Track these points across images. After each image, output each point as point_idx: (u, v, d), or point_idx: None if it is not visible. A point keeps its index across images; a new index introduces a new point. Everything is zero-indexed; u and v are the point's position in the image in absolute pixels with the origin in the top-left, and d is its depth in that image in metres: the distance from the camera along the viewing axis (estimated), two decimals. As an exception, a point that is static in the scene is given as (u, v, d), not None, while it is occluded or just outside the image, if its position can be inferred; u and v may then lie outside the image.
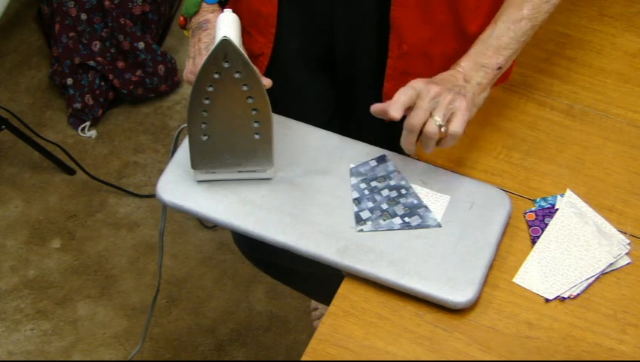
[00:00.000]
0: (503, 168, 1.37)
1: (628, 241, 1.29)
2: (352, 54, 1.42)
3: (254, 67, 1.19)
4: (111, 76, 2.56)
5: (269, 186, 1.32)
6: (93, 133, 2.55)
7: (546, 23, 1.54)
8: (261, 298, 2.24)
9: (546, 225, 1.30)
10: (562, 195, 1.33)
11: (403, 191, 1.31)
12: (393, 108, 1.21)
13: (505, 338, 1.21)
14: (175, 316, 2.21)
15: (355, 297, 1.24)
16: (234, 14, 1.27)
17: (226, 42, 1.16)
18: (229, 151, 1.28)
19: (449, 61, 1.31)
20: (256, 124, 1.25)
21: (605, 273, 1.26)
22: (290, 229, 1.27)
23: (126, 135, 2.56)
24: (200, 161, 1.29)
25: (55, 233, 2.36)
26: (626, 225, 1.31)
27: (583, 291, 1.24)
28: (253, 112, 1.23)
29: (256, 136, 1.26)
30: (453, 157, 1.38)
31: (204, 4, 1.36)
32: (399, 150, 1.36)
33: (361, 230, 1.27)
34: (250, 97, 1.22)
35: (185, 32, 1.39)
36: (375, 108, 1.26)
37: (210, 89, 1.20)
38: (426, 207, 1.30)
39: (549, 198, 1.33)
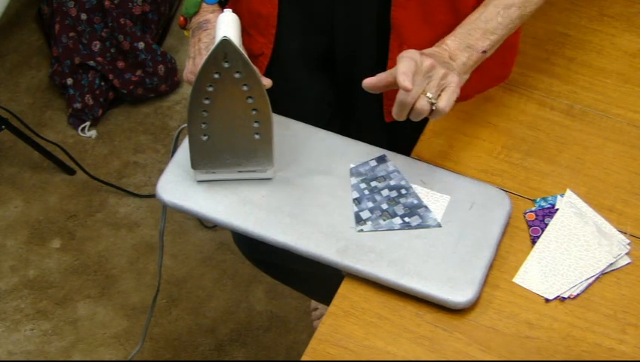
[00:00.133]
0: (503, 168, 1.37)
1: (628, 241, 1.29)
2: (352, 54, 1.42)
3: (254, 67, 1.19)
4: (111, 76, 2.56)
5: (269, 186, 1.32)
6: (93, 133, 2.55)
7: (545, 22, 1.54)
8: (261, 298, 2.24)
9: (546, 225, 1.30)
10: (562, 195, 1.33)
11: (403, 191, 1.31)
12: (407, 81, 1.18)
13: (505, 338, 1.21)
14: (175, 316, 2.21)
15: (355, 297, 1.24)
16: (234, 14, 1.27)
17: (226, 42, 1.16)
18: (229, 151, 1.28)
19: None
20: (256, 124, 1.25)
21: (605, 273, 1.26)
22: (290, 229, 1.27)
23: (126, 135, 2.56)
24: (200, 161, 1.29)
25: (55, 233, 2.36)
26: (626, 225, 1.31)
27: (583, 291, 1.24)
28: (253, 112, 1.23)
29: (256, 136, 1.26)
30: (453, 157, 1.38)
31: (204, 5, 1.36)
32: (399, 150, 1.36)
33: (361, 230, 1.27)
34: (250, 97, 1.22)
35: (185, 32, 1.39)
36: (368, 83, 1.24)
37: (210, 89, 1.21)
38: (426, 207, 1.30)
39: (549, 198, 1.33)
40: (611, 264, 1.26)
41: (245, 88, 1.21)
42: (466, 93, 1.34)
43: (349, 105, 1.51)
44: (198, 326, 2.20)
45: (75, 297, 2.24)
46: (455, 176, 1.33)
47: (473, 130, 1.42)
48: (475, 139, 1.40)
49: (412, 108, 1.22)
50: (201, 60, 1.28)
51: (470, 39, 1.27)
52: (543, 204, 1.33)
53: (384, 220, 1.28)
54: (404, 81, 1.18)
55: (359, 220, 1.28)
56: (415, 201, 1.30)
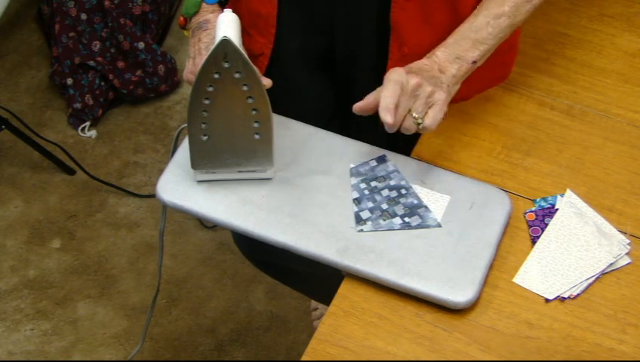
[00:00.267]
0: (503, 168, 1.37)
1: (628, 241, 1.29)
2: (352, 54, 1.42)
3: (254, 67, 1.19)
4: (111, 76, 2.56)
5: (269, 186, 1.32)
6: (93, 133, 2.55)
7: (545, 22, 1.54)
8: (261, 298, 2.24)
9: (546, 225, 1.30)
10: (562, 195, 1.33)
11: (403, 191, 1.31)
12: (388, 116, 1.22)
13: (505, 339, 1.21)
14: (175, 316, 2.21)
15: (355, 297, 1.24)
16: (234, 14, 1.27)
17: (226, 42, 1.16)
18: (229, 151, 1.28)
19: None
20: (256, 124, 1.25)
21: (605, 273, 1.26)
22: (290, 229, 1.27)
23: (126, 135, 2.56)
24: (200, 161, 1.29)
25: (55, 233, 2.36)
26: (626, 225, 1.31)
27: (583, 291, 1.24)
28: (253, 112, 1.23)
29: (256, 136, 1.26)
30: (453, 157, 1.38)
31: (204, 5, 1.36)
32: (399, 150, 1.36)
33: (361, 230, 1.27)
34: (250, 97, 1.22)
35: (185, 32, 1.39)
36: (357, 107, 1.27)
37: (210, 89, 1.20)
38: (426, 207, 1.30)
39: (549, 198, 1.33)
40: (611, 264, 1.26)
41: (245, 88, 1.21)
42: (466, 94, 1.34)
43: (349, 105, 1.51)
44: (198, 326, 2.20)
45: (75, 297, 2.24)
46: (455, 176, 1.33)
47: (473, 130, 1.41)
48: (475, 139, 1.40)
49: (399, 127, 1.25)
50: (201, 60, 1.28)
51: (460, 50, 1.28)
52: (543, 204, 1.33)
53: (384, 220, 1.28)
54: (385, 116, 1.21)
55: (359, 220, 1.28)
56: (415, 201, 1.30)
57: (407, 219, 1.28)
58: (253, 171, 1.31)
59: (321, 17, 1.39)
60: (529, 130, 1.42)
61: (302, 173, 1.33)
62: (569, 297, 1.24)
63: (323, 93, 1.52)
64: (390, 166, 1.34)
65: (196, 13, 1.36)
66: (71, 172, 2.46)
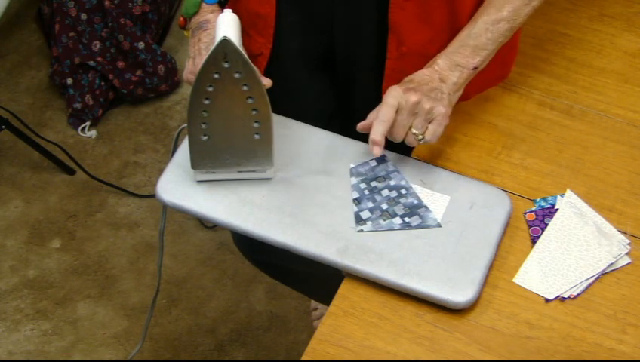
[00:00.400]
0: (503, 168, 1.37)
1: (628, 241, 1.29)
2: (352, 54, 1.42)
3: (254, 67, 1.19)
4: (111, 76, 2.56)
5: (269, 186, 1.32)
6: (93, 133, 2.55)
7: (545, 22, 1.54)
8: (261, 298, 2.24)
9: (546, 225, 1.30)
10: (562, 195, 1.33)
11: (403, 191, 1.31)
12: (375, 149, 1.27)
13: (505, 339, 1.20)
14: (175, 316, 2.21)
15: (355, 297, 1.24)
16: (234, 14, 1.27)
17: (225, 42, 1.16)
18: (229, 151, 1.28)
19: None
20: (256, 124, 1.25)
21: (605, 273, 1.26)
22: (290, 229, 1.27)
23: (126, 135, 2.56)
24: (200, 161, 1.29)
25: (55, 233, 2.36)
26: (626, 225, 1.31)
27: (583, 291, 1.24)
28: (253, 112, 1.23)
29: (256, 136, 1.26)
30: (453, 157, 1.38)
31: (203, 5, 1.36)
32: (399, 150, 1.36)
33: (361, 230, 1.27)
34: (250, 97, 1.22)
35: (185, 32, 1.39)
36: (360, 126, 1.30)
37: (210, 89, 1.20)
38: (426, 207, 1.30)
39: (549, 198, 1.33)
40: (611, 264, 1.26)
41: (245, 88, 1.21)
42: (465, 94, 1.34)
43: (349, 105, 1.51)
44: (198, 326, 2.20)
45: (75, 297, 2.24)
46: (455, 176, 1.33)
47: (473, 130, 1.41)
48: (475, 139, 1.40)
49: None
50: (201, 60, 1.28)
51: (460, 58, 1.29)
52: (543, 204, 1.33)
53: (384, 220, 1.28)
54: (372, 149, 1.26)
55: (359, 220, 1.28)
56: (415, 201, 1.30)
57: (407, 219, 1.28)
58: (253, 171, 1.31)
59: (321, 17, 1.39)
60: (529, 130, 1.42)
61: (302, 173, 1.33)
62: (569, 297, 1.24)
63: (323, 93, 1.52)
64: (390, 166, 1.34)
65: (196, 13, 1.36)
66: (71, 172, 2.46)
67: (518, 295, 1.24)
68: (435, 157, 1.36)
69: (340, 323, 1.22)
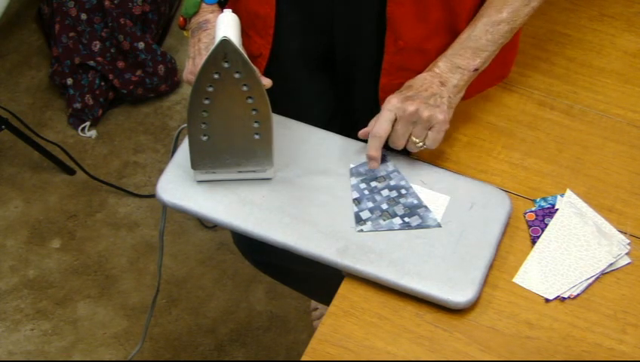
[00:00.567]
0: (503, 168, 1.37)
1: (628, 241, 1.29)
2: (352, 54, 1.42)
3: (254, 67, 1.19)
4: (111, 76, 2.56)
5: (269, 186, 1.32)
6: (93, 133, 2.55)
7: (545, 22, 1.54)
8: (261, 298, 2.24)
9: (546, 225, 1.30)
10: (562, 195, 1.33)
11: (403, 191, 1.31)
12: (372, 164, 1.31)
13: (505, 339, 1.20)
14: (175, 316, 2.21)
15: (355, 297, 1.24)
16: (234, 14, 1.27)
17: (225, 42, 1.16)
18: (229, 151, 1.28)
19: None
20: (256, 124, 1.25)
21: (605, 273, 1.26)
22: (290, 229, 1.27)
23: (126, 135, 2.56)
24: (200, 161, 1.29)
25: (55, 233, 2.36)
26: (626, 225, 1.31)
27: (583, 291, 1.24)
28: (253, 112, 1.23)
29: (256, 136, 1.26)
30: (453, 157, 1.38)
31: (203, 5, 1.36)
32: (399, 150, 1.36)
33: (361, 230, 1.27)
34: (250, 97, 1.22)
35: (184, 32, 1.39)
36: (362, 133, 1.32)
37: (210, 89, 1.20)
38: (426, 207, 1.30)
39: (549, 198, 1.33)
40: (611, 264, 1.26)
41: (245, 88, 1.21)
42: (466, 93, 1.34)
43: (349, 105, 1.51)
44: (198, 326, 2.20)
45: (75, 297, 2.24)
46: (455, 176, 1.33)
47: (473, 130, 1.41)
48: (475, 139, 1.40)
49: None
50: (200, 60, 1.28)
51: (461, 60, 1.30)
52: (543, 204, 1.33)
53: (384, 220, 1.28)
54: (370, 165, 1.32)
55: (359, 220, 1.28)
56: (415, 201, 1.30)
57: (407, 219, 1.28)
58: (253, 171, 1.31)
59: (321, 17, 1.39)
60: (529, 130, 1.42)
61: (302, 173, 1.33)
62: (569, 297, 1.24)
63: (323, 93, 1.52)
64: (390, 166, 1.34)
65: (196, 13, 1.36)
66: (71, 172, 2.46)
67: (518, 295, 1.24)
68: (435, 157, 1.36)
69: (340, 323, 1.22)
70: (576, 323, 1.22)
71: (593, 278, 1.25)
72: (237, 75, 1.19)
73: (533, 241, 1.29)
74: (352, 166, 1.34)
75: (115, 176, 2.46)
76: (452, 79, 1.30)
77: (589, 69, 1.50)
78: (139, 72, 2.58)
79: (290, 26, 1.40)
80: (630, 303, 1.23)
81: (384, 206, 1.30)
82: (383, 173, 1.33)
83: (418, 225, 1.28)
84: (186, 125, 1.26)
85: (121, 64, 2.59)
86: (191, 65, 1.34)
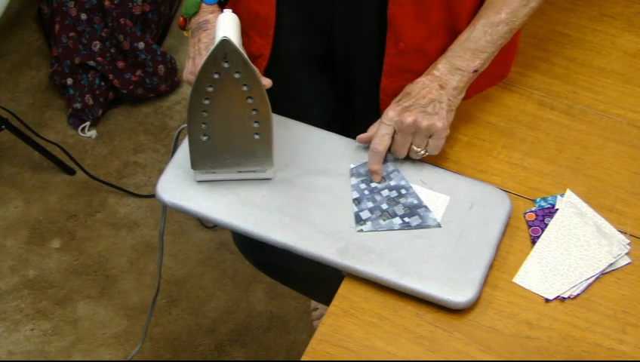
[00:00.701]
0: (503, 168, 1.37)
1: (628, 241, 1.29)
2: (352, 54, 1.42)
3: (254, 67, 1.19)
4: (111, 76, 2.56)
5: (269, 186, 1.32)
6: (93, 133, 2.55)
7: (545, 22, 1.54)
8: (261, 298, 2.24)
9: (546, 225, 1.30)
10: (562, 195, 1.33)
11: (403, 192, 1.31)
12: (375, 177, 1.32)
13: (505, 339, 1.20)
14: (175, 316, 2.21)
15: (355, 297, 1.24)
16: (234, 14, 1.27)
17: (225, 42, 1.16)
18: (229, 151, 1.28)
19: None
20: (256, 124, 1.25)
21: (605, 273, 1.26)
22: (290, 229, 1.27)
23: (126, 135, 2.56)
24: (200, 161, 1.29)
25: (55, 233, 2.36)
26: (626, 225, 1.31)
27: (583, 291, 1.24)
28: (253, 112, 1.23)
29: (256, 136, 1.26)
30: (453, 157, 1.38)
31: (203, 5, 1.36)
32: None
33: (361, 230, 1.27)
34: (250, 97, 1.22)
35: (184, 32, 1.39)
36: (361, 139, 1.33)
37: (210, 89, 1.20)
38: (426, 207, 1.30)
39: (549, 198, 1.33)
40: (611, 264, 1.26)
41: (245, 88, 1.21)
42: (466, 93, 1.34)
43: (349, 105, 1.51)
44: (198, 326, 2.20)
45: (75, 297, 2.24)
46: (455, 176, 1.33)
47: (473, 130, 1.41)
48: (475, 139, 1.40)
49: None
50: (200, 60, 1.28)
51: (460, 61, 1.30)
52: (543, 204, 1.33)
53: (384, 220, 1.28)
54: (374, 178, 1.32)
55: (359, 220, 1.28)
56: (415, 201, 1.30)
57: (407, 219, 1.28)
58: (253, 171, 1.31)
59: (321, 17, 1.39)
60: (529, 130, 1.42)
61: (302, 173, 1.33)
62: (569, 297, 1.24)
63: (323, 93, 1.52)
64: (390, 166, 1.34)
65: (196, 13, 1.36)
66: (71, 172, 2.46)
67: (518, 295, 1.24)
68: (435, 157, 1.36)
69: (340, 323, 1.22)
70: (576, 323, 1.22)
71: (593, 278, 1.25)
72: (237, 75, 1.19)
73: (533, 241, 1.29)
74: (352, 166, 1.34)
75: (115, 176, 2.46)
76: (452, 81, 1.30)
77: (589, 69, 1.50)
78: (139, 72, 2.58)
79: (291, 26, 1.40)
80: (630, 303, 1.23)
81: (384, 206, 1.30)
82: (382, 173, 1.33)
83: (418, 225, 1.28)
84: (186, 125, 1.26)
85: (121, 64, 2.59)
86: (191, 65, 1.34)
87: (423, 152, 1.31)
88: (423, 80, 1.31)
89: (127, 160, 2.50)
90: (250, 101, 1.22)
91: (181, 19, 1.38)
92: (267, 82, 1.28)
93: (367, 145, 1.33)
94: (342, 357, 1.19)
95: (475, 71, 1.30)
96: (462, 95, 1.32)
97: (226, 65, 1.18)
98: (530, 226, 1.31)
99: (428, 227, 1.28)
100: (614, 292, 1.24)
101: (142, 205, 2.40)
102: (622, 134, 1.41)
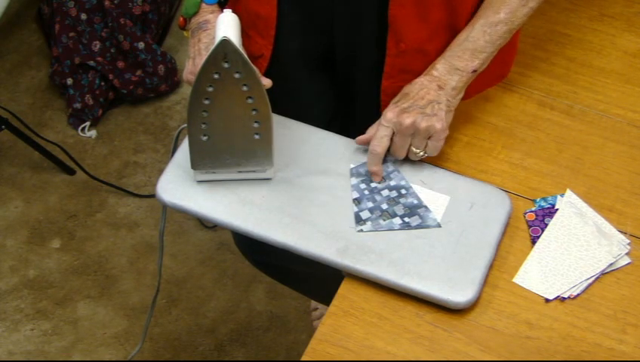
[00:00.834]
0: (503, 168, 1.37)
1: (628, 241, 1.29)
2: (352, 54, 1.42)
3: (254, 67, 1.19)
4: (111, 76, 2.56)
5: (269, 186, 1.32)
6: (93, 133, 2.55)
7: (545, 22, 1.54)
8: (261, 298, 2.24)
9: (546, 225, 1.30)
10: (562, 195, 1.33)
11: (403, 191, 1.31)
12: (375, 178, 1.32)
13: (505, 339, 1.20)
14: (175, 316, 2.21)
15: (355, 297, 1.24)
16: (234, 14, 1.27)
17: (225, 42, 1.16)
18: (229, 151, 1.28)
19: None
20: (256, 124, 1.25)
21: (605, 273, 1.26)
22: (290, 229, 1.27)
23: (126, 135, 2.56)
24: (200, 161, 1.29)
25: (55, 233, 2.36)
26: (626, 225, 1.31)
27: (583, 291, 1.24)
28: (253, 112, 1.23)
29: (256, 136, 1.26)
30: (453, 157, 1.38)
31: (203, 5, 1.36)
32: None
33: (361, 230, 1.27)
34: (250, 97, 1.22)
35: (184, 32, 1.39)
36: (360, 141, 1.34)
37: (210, 89, 1.20)
38: (426, 207, 1.30)
39: (549, 198, 1.33)
40: (611, 264, 1.26)
41: (245, 88, 1.21)
42: (465, 93, 1.34)
43: (349, 105, 1.51)
44: (198, 326, 2.20)
45: (75, 297, 2.24)
46: (455, 176, 1.33)
47: (473, 130, 1.41)
48: (474, 139, 1.40)
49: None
50: (200, 61, 1.28)
51: (459, 61, 1.30)
52: (543, 204, 1.33)
53: (384, 220, 1.28)
54: (374, 178, 1.32)
55: (359, 220, 1.28)
56: (415, 201, 1.30)
57: (407, 219, 1.28)
58: (253, 171, 1.31)
59: (321, 17, 1.39)
60: (529, 130, 1.42)
61: (302, 173, 1.33)
62: (569, 297, 1.24)
63: (323, 93, 1.52)
64: (390, 166, 1.34)
65: (196, 13, 1.36)
66: (71, 172, 2.46)
67: (518, 295, 1.24)
68: (435, 157, 1.36)
69: (340, 323, 1.22)
70: (576, 323, 1.22)
71: (593, 278, 1.25)
72: (237, 75, 1.19)
73: (533, 241, 1.29)
74: (352, 166, 1.34)
75: (115, 176, 2.46)
76: (450, 81, 1.30)
77: (589, 69, 1.50)
78: (139, 72, 2.58)
79: (291, 26, 1.40)
80: (630, 303, 1.23)
81: (384, 206, 1.30)
82: (382, 173, 1.33)
83: (418, 225, 1.28)
84: (186, 125, 1.26)
85: (121, 64, 2.59)
86: (191, 66, 1.34)
87: (421, 153, 1.31)
88: (421, 80, 1.31)
89: (127, 160, 2.50)
90: (250, 101, 1.22)
91: (181, 19, 1.38)
92: (267, 82, 1.28)
93: (366, 146, 1.33)
94: (342, 357, 1.19)
95: (474, 71, 1.30)
96: (461, 95, 1.32)
97: (226, 65, 1.18)
98: (530, 226, 1.31)
99: (428, 227, 1.28)
100: (614, 292, 1.24)
101: (142, 205, 2.40)
102: (622, 134, 1.41)
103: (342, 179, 1.33)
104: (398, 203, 1.30)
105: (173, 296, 2.24)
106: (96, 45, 2.60)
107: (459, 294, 1.21)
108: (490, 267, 1.25)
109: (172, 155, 1.36)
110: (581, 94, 1.47)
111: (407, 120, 1.28)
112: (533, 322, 1.22)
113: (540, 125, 1.42)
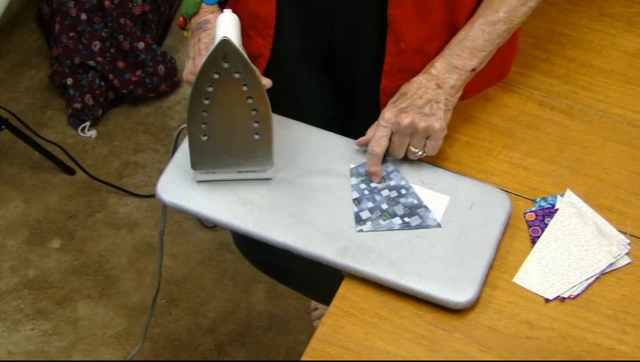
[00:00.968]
0: (503, 168, 1.37)
1: (628, 241, 1.29)
2: (352, 54, 1.42)
3: (254, 67, 1.19)
4: (111, 76, 2.56)
5: (269, 186, 1.32)
6: (93, 133, 2.55)
7: (545, 22, 1.54)
8: (261, 298, 2.24)
9: (546, 225, 1.30)
10: (562, 195, 1.33)
11: (403, 191, 1.31)
12: (375, 178, 1.33)
13: (505, 339, 1.20)
14: (175, 316, 2.21)
15: (355, 297, 1.24)
16: (234, 14, 1.27)
17: (225, 42, 1.16)
18: (228, 151, 1.28)
19: None
20: (256, 124, 1.25)
21: (605, 273, 1.26)
22: (290, 229, 1.27)
23: (126, 135, 2.56)
24: (200, 161, 1.29)
25: (55, 233, 2.36)
26: (626, 225, 1.31)
27: (583, 291, 1.24)
28: (253, 112, 1.23)
29: (256, 136, 1.26)
30: (453, 157, 1.38)
31: (203, 5, 1.36)
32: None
33: (361, 230, 1.27)
34: (250, 97, 1.22)
35: (184, 32, 1.39)
36: (360, 143, 1.34)
37: (210, 89, 1.20)
38: (425, 207, 1.30)
39: (549, 198, 1.33)
40: (611, 264, 1.26)
41: (245, 88, 1.21)
42: (465, 93, 1.35)
43: (349, 105, 1.51)
44: (198, 326, 2.20)
45: (75, 297, 2.24)
46: (455, 176, 1.33)
47: (473, 130, 1.41)
48: (474, 139, 1.40)
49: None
50: (200, 61, 1.28)
51: (458, 60, 1.30)
52: (543, 204, 1.33)
53: (384, 220, 1.28)
54: (373, 178, 1.33)
55: (359, 220, 1.28)
56: (415, 201, 1.30)
57: (407, 219, 1.28)
58: (253, 171, 1.31)
59: (321, 17, 1.39)
60: (529, 130, 1.42)
61: (302, 173, 1.33)
62: (569, 297, 1.24)
63: (323, 93, 1.52)
64: (390, 166, 1.34)
65: (196, 13, 1.36)
66: (71, 172, 2.46)
67: (518, 295, 1.24)
68: (435, 157, 1.36)
69: (340, 323, 1.22)
70: (576, 323, 1.22)
71: (593, 278, 1.25)
72: (237, 75, 1.19)
73: (533, 241, 1.29)
74: (352, 166, 1.34)
75: (115, 176, 2.46)
76: (449, 80, 1.30)
77: (589, 69, 1.50)
78: (139, 72, 2.58)
79: (291, 26, 1.40)
80: (630, 303, 1.23)
81: (384, 206, 1.30)
82: (382, 173, 1.33)
83: (418, 225, 1.28)
84: (186, 125, 1.26)
85: (121, 64, 2.59)
86: (191, 66, 1.34)
87: (420, 153, 1.31)
88: (419, 79, 1.31)
89: (127, 160, 2.50)
90: (250, 101, 1.22)
91: (181, 19, 1.38)
92: (267, 82, 1.28)
93: (367, 147, 1.33)
94: (342, 357, 1.19)
95: (473, 70, 1.30)
96: (459, 94, 1.32)
97: (226, 65, 1.18)
98: (530, 226, 1.31)
99: (428, 227, 1.28)
100: (614, 292, 1.24)
101: (142, 205, 2.40)
102: (622, 134, 1.41)
103: (342, 179, 1.33)
104: (398, 203, 1.30)
105: (173, 296, 2.24)
106: (96, 45, 2.60)
107: (459, 294, 1.21)
108: (490, 267, 1.25)
109: (172, 155, 1.36)
110: (581, 94, 1.47)
111: (406, 120, 1.28)
112: (533, 322, 1.22)
113: (540, 125, 1.42)
